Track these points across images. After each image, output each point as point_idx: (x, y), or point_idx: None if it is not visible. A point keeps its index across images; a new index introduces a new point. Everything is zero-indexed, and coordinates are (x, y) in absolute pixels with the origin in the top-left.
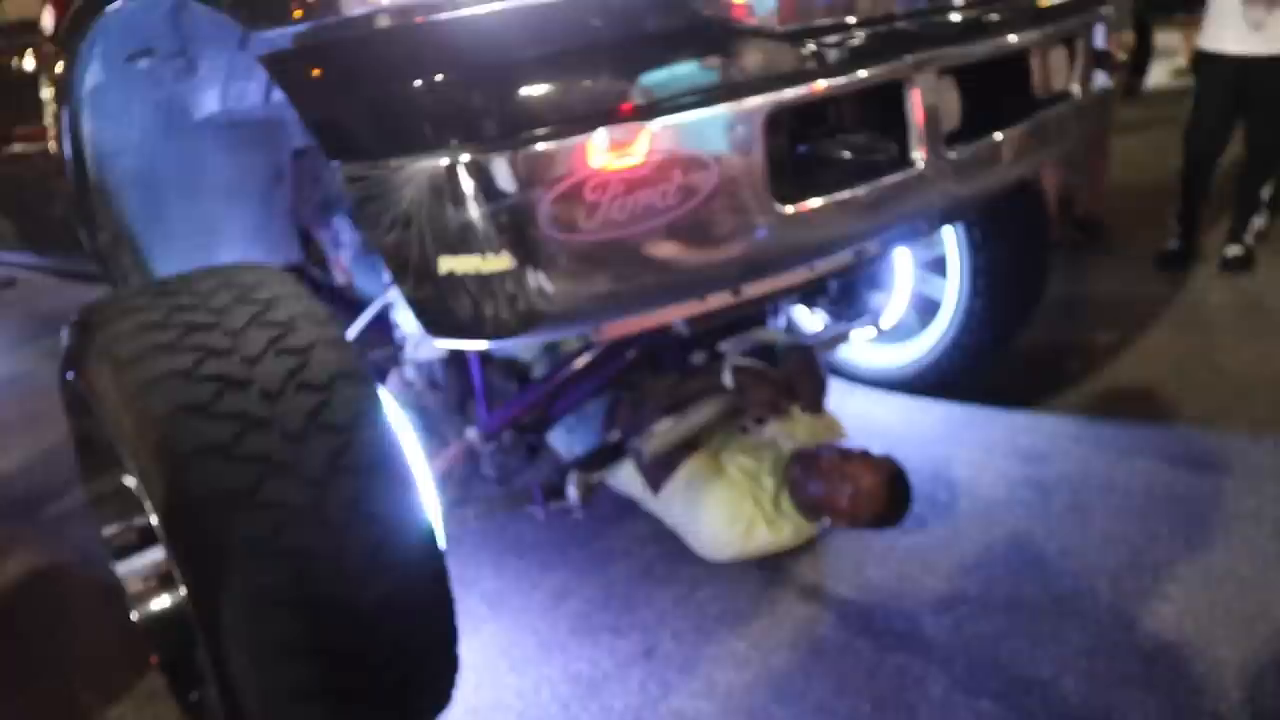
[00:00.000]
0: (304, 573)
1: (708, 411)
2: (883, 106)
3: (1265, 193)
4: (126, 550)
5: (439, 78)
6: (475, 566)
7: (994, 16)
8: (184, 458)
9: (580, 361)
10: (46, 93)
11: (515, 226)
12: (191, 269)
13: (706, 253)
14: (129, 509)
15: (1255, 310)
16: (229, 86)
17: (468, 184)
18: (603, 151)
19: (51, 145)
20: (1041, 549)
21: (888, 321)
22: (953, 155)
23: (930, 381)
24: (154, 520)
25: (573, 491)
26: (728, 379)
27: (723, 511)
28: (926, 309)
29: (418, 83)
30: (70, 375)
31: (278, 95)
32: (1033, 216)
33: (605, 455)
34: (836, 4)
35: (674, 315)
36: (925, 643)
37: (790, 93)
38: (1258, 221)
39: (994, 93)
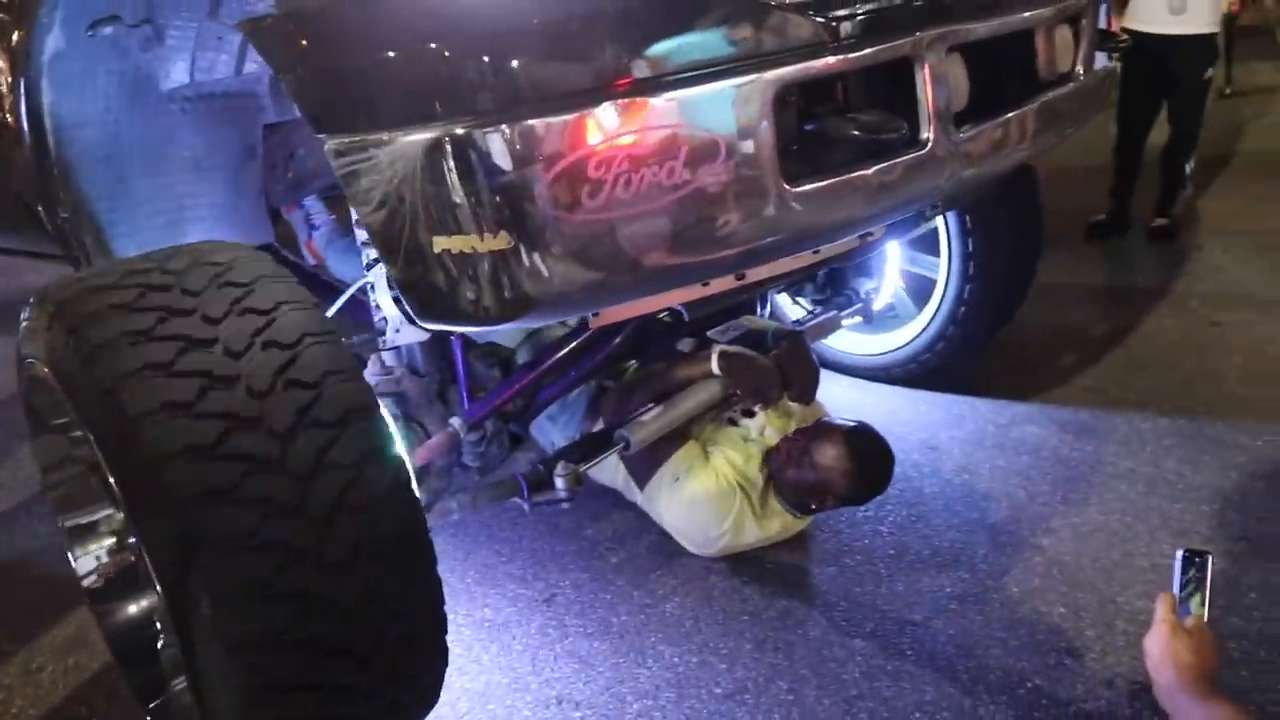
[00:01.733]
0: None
1: (696, 400)
2: (891, 85)
3: (1189, 167)
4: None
5: (431, 46)
6: None
7: None
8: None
9: (566, 348)
10: (2, 61)
11: (512, 205)
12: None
13: (713, 234)
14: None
15: (1161, 282)
16: (198, 57)
17: (462, 160)
18: (605, 127)
19: (8, 116)
20: (928, 507)
21: (876, 308)
22: (961, 136)
23: (918, 371)
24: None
25: (561, 483)
26: (715, 366)
27: (711, 508)
28: (916, 296)
29: (408, 51)
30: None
31: (250, 67)
32: (1025, 198)
33: (593, 444)
34: None
35: (675, 300)
36: (809, 590)
37: (801, 67)
38: (1183, 194)
39: (1000, 72)
